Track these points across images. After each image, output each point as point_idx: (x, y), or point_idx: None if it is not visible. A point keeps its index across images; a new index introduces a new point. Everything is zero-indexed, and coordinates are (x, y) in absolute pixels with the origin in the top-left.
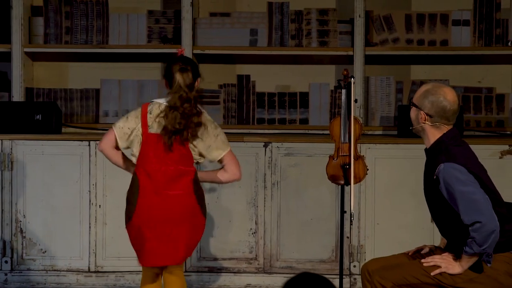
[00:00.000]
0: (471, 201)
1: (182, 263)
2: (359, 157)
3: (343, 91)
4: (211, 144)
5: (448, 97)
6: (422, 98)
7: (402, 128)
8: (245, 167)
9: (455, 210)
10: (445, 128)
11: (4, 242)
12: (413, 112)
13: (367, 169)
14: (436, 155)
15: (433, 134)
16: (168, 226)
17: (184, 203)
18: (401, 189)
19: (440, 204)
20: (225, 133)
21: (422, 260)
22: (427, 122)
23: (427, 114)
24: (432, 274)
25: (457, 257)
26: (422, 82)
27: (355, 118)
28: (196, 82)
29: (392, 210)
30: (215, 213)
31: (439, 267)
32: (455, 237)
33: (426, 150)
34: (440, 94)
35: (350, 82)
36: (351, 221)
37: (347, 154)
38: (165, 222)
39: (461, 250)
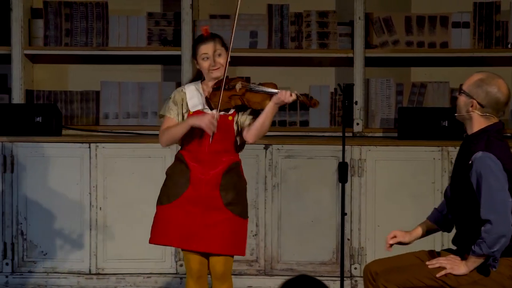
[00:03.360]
0: (493, 197)
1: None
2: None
3: None
4: None
5: (502, 89)
6: (475, 87)
7: (402, 130)
8: (246, 169)
9: (478, 201)
10: (493, 119)
11: (5, 244)
12: (462, 100)
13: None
14: (476, 142)
15: (479, 122)
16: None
17: None
18: (401, 191)
19: (465, 192)
20: None
21: (427, 262)
22: (476, 111)
23: (479, 104)
24: (437, 275)
25: (462, 251)
26: (422, 84)
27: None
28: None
29: (392, 212)
30: None
31: (444, 268)
32: (467, 230)
33: (466, 136)
34: (494, 85)
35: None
36: None
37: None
38: None
39: (469, 244)
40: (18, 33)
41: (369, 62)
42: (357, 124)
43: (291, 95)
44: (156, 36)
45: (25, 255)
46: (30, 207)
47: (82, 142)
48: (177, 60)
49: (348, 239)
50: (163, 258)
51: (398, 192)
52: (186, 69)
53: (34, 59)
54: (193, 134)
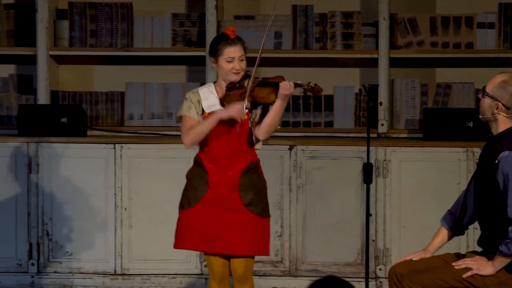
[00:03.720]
0: None
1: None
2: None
3: None
4: None
5: None
6: (499, 89)
7: (427, 131)
8: (269, 170)
9: (504, 200)
10: None
11: (31, 245)
12: (486, 102)
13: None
14: (502, 141)
15: (505, 123)
16: None
17: None
18: (426, 192)
19: (491, 192)
20: None
21: (453, 263)
22: (501, 113)
23: (504, 106)
24: (463, 276)
25: (488, 252)
26: (447, 85)
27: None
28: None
29: (417, 213)
30: None
31: (470, 269)
32: (493, 231)
33: (491, 136)
34: None
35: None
36: None
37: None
38: None
39: (495, 244)
40: (43, 34)
41: (394, 62)
42: (382, 125)
43: (290, 85)
44: (180, 37)
45: (51, 256)
46: (56, 208)
47: (107, 143)
48: (201, 61)
49: (373, 240)
50: (188, 258)
51: (423, 193)
52: (211, 70)
53: (60, 60)
54: (210, 136)
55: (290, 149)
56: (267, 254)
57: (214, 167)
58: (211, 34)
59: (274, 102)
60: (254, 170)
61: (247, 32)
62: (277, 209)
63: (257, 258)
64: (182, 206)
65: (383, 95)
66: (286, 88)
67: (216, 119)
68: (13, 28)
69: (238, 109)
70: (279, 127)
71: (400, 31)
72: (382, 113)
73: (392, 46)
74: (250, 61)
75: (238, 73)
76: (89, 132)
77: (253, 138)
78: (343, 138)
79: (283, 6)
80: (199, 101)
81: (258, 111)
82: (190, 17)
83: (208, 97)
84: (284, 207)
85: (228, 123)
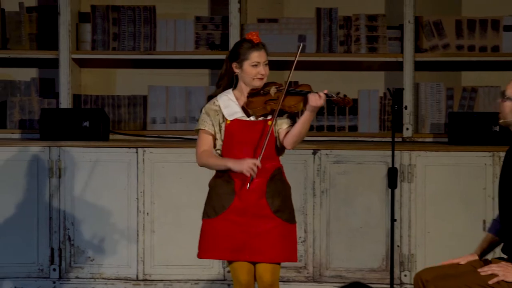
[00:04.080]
0: None
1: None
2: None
3: None
4: None
5: None
6: None
7: (453, 135)
8: (293, 175)
9: None
10: None
11: (52, 250)
12: (507, 106)
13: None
14: None
15: None
16: None
17: None
18: (452, 197)
19: None
20: None
21: (479, 269)
22: None
23: None
24: (489, 282)
25: None
26: (473, 89)
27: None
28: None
29: (443, 218)
30: None
31: (496, 275)
32: None
33: None
34: None
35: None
36: None
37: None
38: None
39: None
40: (65, 38)
41: (419, 66)
42: (407, 129)
43: (320, 96)
44: (203, 40)
45: (72, 261)
46: (77, 213)
47: (129, 147)
48: None
49: (398, 246)
50: (211, 264)
51: (448, 198)
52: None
53: (82, 63)
54: (234, 145)
55: (314, 153)
56: (296, 260)
57: (240, 174)
58: (234, 37)
59: (301, 111)
60: (279, 177)
61: (271, 35)
62: (301, 214)
63: (281, 264)
64: (207, 215)
65: (408, 99)
66: (316, 100)
67: (226, 167)
68: (35, 32)
69: (250, 168)
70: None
71: (426, 34)
72: (407, 117)
73: (417, 49)
74: (274, 64)
75: (263, 78)
76: (111, 136)
77: (278, 145)
78: (368, 142)
79: (307, 9)
80: (217, 111)
81: (284, 120)
82: (213, 20)
83: (229, 104)
84: (308, 212)
85: (252, 134)
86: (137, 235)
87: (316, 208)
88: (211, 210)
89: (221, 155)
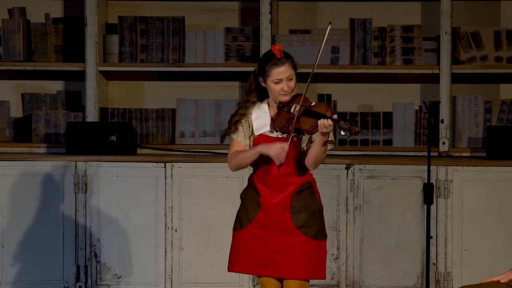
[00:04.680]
0: None
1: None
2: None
3: None
4: None
5: None
6: None
7: (491, 150)
8: (326, 190)
9: None
10: None
11: (78, 267)
12: None
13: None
14: None
15: None
16: None
17: None
18: (490, 213)
19: None
20: None
21: None
22: None
23: None
24: None
25: None
26: None
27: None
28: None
29: (481, 235)
30: None
31: None
32: None
33: None
34: None
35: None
36: None
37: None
38: None
39: None
40: (92, 49)
41: (456, 78)
42: (443, 143)
43: (328, 123)
44: (234, 52)
45: (99, 278)
46: (104, 229)
47: (157, 162)
48: None
49: (434, 264)
50: (241, 282)
51: (486, 215)
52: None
53: (109, 76)
54: (260, 158)
55: (347, 168)
56: (324, 278)
57: (266, 188)
58: (265, 49)
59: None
60: (308, 190)
61: (303, 47)
62: (333, 231)
63: (312, 281)
64: (234, 228)
65: (444, 112)
66: (324, 127)
67: (256, 154)
68: (61, 43)
69: (278, 153)
70: (332, 146)
71: (463, 45)
72: (444, 131)
73: (454, 61)
74: (306, 77)
75: (287, 93)
76: (139, 151)
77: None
78: (403, 157)
79: (341, 20)
80: (249, 122)
81: (305, 139)
82: (244, 32)
83: (259, 116)
84: (340, 229)
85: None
86: (165, 252)
87: (349, 225)
88: (238, 223)
89: (252, 166)
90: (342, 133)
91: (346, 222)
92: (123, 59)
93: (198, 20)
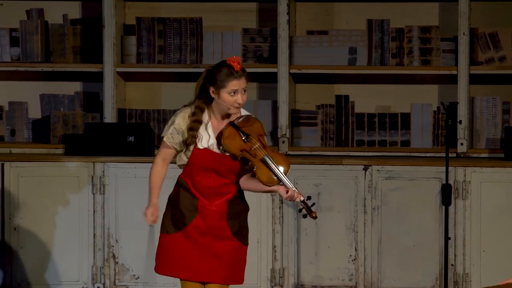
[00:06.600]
0: None
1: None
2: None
3: None
4: None
5: None
6: None
7: (509, 151)
8: (343, 191)
9: None
10: None
11: (96, 268)
12: None
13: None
14: None
15: None
16: None
17: None
18: (509, 214)
19: None
20: (323, 155)
21: None
22: None
23: None
24: None
25: None
26: None
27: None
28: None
29: (499, 236)
30: (313, 238)
31: None
32: None
33: None
34: None
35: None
36: None
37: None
38: None
39: None
40: (110, 51)
41: (474, 79)
42: (461, 144)
43: (295, 197)
44: (251, 53)
45: (117, 279)
46: (122, 230)
47: (175, 163)
48: (273, 77)
49: (452, 265)
50: (258, 283)
51: (504, 216)
52: (283, 87)
53: (127, 77)
54: (196, 169)
55: (365, 169)
56: (242, 282)
57: (202, 196)
58: (283, 50)
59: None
60: (239, 198)
61: (320, 48)
62: (351, 232)
63: (330, 283)
64: (166, 230)
65: (462, 113)
66: (290, 198)
67: (150, 195)
68: (79, 44)
69: (149, 219)
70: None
71: (481, 46)
72: (462, 132)
73: (472, 62)
74: (323, 78)
75: (239, 107)
76: (156, 152)
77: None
78: (421, 158)
79: (358, 21)
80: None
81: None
82: (262, 33)
83: (204, 134)
84: (358, 230)
85: (217, 165)
86: None
87: (367, 226)
88: (170, 225)
89: (183, 170)
90: (300, 210)
91: (364, 223)
92: (141, 60)
93: (216, 21)
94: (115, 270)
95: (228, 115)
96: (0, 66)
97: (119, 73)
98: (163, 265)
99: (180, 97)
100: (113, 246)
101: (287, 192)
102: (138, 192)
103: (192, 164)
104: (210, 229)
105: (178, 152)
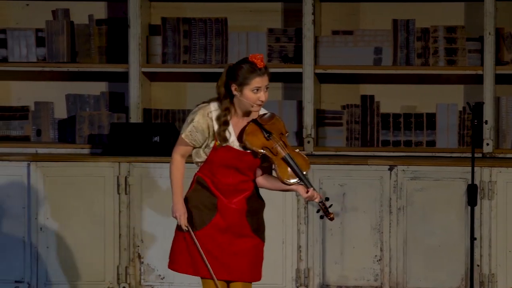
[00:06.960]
0: None
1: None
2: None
3: None
4: None
5: None
6: None
7: None
8: (369, 191)
9: None
10: None
11: (122, 268)
12: None
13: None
14: None
15: None
16: None
17: None
18: None
19: None
20: (348, 155)
21: None
22: None
23: None
24: None
25: None
26: None
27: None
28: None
29: None
30: (338, 238)
31: None
32: None
33: None
34: None
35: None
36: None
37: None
38: None
39: None
40: (135, 51)
41: (500, 79)
42: (487, 144)
43: (311, 196)
44: (276, 53)
45: (142, 279)
46: (147, 230)
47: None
48: (298, 78)
49: (478, 265)
50: (283, 283)
51: None
52: (308, 87)
53: (152, 77)
54: (216, 166)
55: (390, 169)
56: (260, 279)
57: (220, 193)
58: (308, 50)
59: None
60: (256, 195)
61: (346, 48)
62: (376, 232)
63: (355, 283)
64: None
65: (488, 113)
66: (310, 198)
67: (173, 195)
68: (105, 45)
69: (181, 221)
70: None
71: (507, 46)
72: (488, 132)
73: (498, 62)
74: (349, 78)
75: (261, 104)
76: None
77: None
78: (446, 158)
79: (383, 21)
80: (209, 127)
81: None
82: (287, 33)
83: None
84: (384, 230)
85: (238, 162)
86: None
87: (392, 226)
88: (189, 223)
89: (200, 168)
90: (318, 211)
91: (390, 223)
92: (166, 60)
93: (241, 21)
94: (140, 270)
95: (248, 113)
96: (26, 66)
97: (144, 73)
98: (182, 263)
99: (205, 97)
100: (138, 246)
101: (307, 192)
102: (163, 192)
103: (212, 161)
104: (230, 227)
105: (195, 148)
